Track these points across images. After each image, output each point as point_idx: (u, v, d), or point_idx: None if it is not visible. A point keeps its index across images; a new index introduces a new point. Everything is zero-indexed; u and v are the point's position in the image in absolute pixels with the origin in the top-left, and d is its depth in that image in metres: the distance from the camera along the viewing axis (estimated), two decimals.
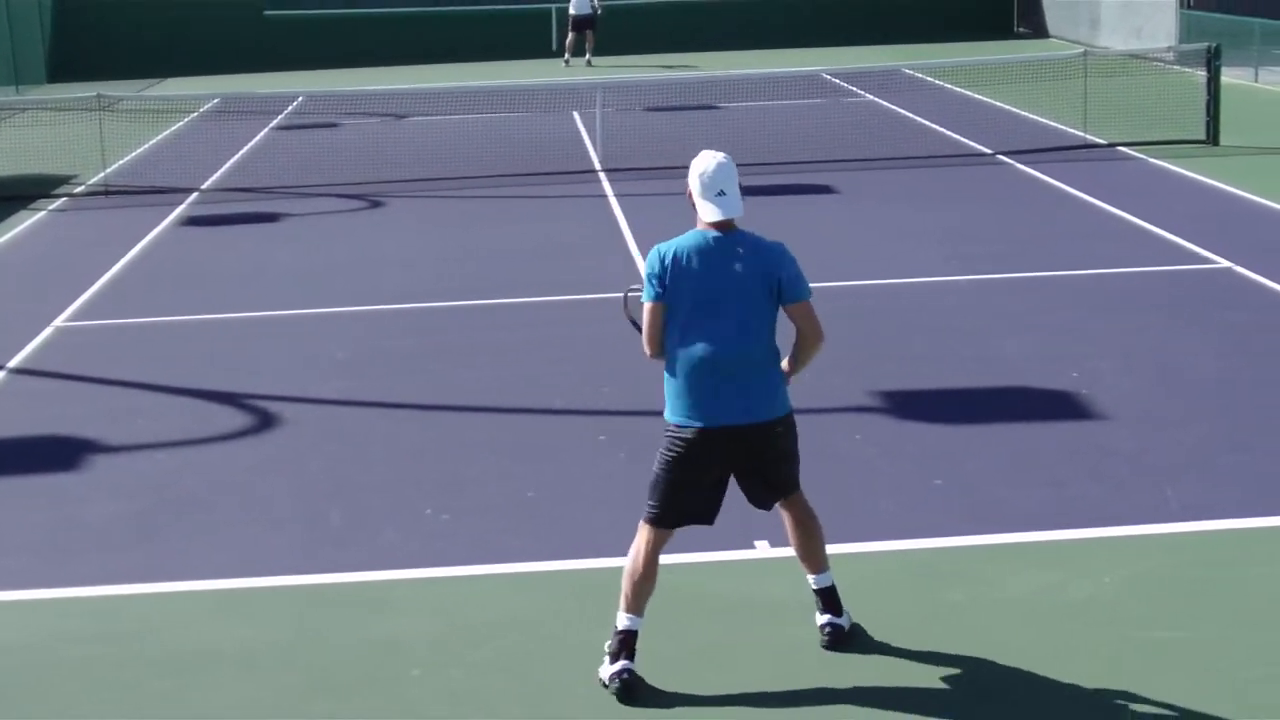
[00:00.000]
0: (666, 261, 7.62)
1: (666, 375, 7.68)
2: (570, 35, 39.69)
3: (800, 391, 12.19)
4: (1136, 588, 8.62)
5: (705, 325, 7.54)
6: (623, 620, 7.71)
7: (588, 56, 39.05)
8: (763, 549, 9.28)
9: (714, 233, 7.69)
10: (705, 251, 7.65)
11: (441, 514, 10.09)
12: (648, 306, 7.63)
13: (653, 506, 7.77)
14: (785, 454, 7.94)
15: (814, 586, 8.09)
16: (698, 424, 7.56)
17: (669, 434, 7.65)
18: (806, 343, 7.74)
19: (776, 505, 8.04)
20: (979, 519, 9.68)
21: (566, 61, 39.44)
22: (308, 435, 11.87)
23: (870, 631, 8.13)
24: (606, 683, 7.61)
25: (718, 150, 7.94)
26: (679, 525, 7.85)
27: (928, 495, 10.12)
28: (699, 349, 7.54)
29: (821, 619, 8.06)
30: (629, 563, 7.79)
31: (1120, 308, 14.61)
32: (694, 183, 7.77)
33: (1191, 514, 9.65)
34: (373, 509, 10.24)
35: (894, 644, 8.00)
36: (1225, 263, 16.07)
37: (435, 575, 9.16)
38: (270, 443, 11.77)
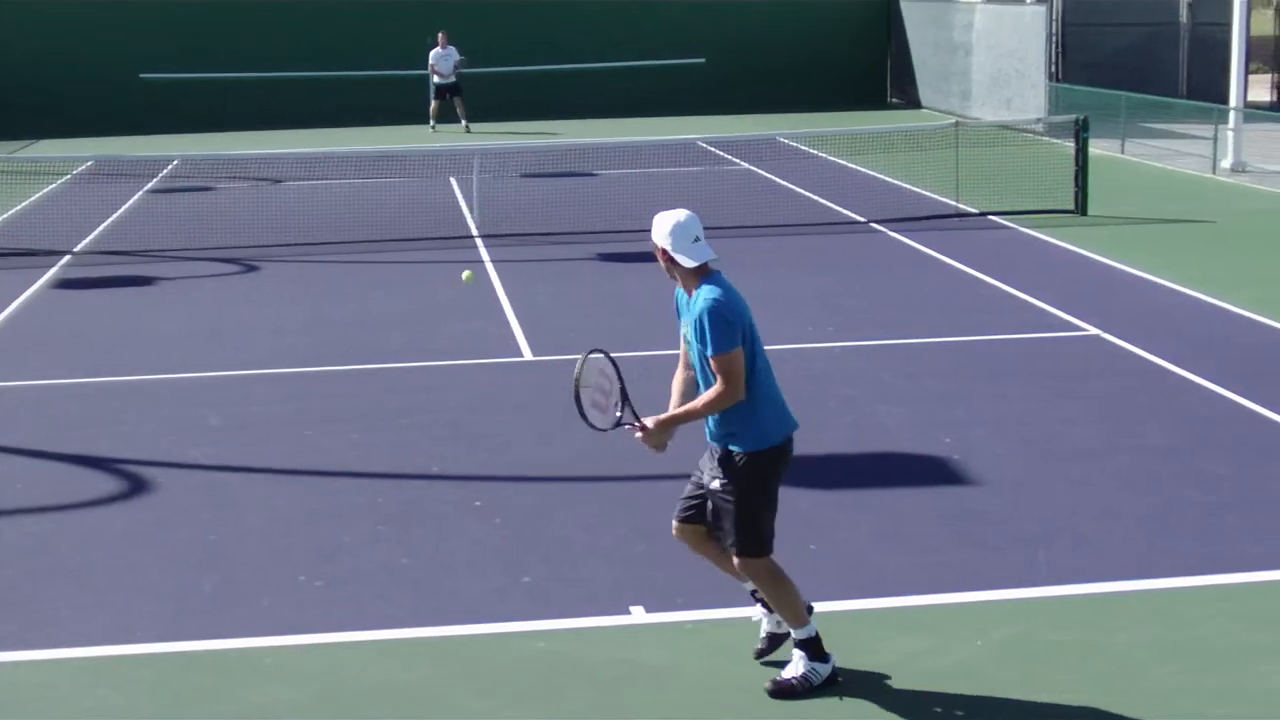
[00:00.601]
0: (740, 310, 8.14)
1: (749, 409, 8.15)
2: (435, 102, 39.69)
3: (675, 459, 12.26)
4: (1009, 651, 8.70)
5: (762, 354, 8.28)
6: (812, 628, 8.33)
7: (464, 123, 39.05)
8: (638, 614, 9.28)
9: (717, 277, 8.25)
10: (735, 293, 8.22)
11: (315, 580, 10.02)
12: (738, 353, 8.03)
13: (765, 537, 8.31)
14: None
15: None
16: (789, 430, 8.33)
17: (762, 462, 8.19)
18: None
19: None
20: (852, 584, 9.74)
21: (433, 127, 39.41)
22: (180, 501, 11.76)
23: (744, 697, 8.15)
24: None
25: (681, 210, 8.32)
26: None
27: (802, 560, 10.14)
28: (770, 373, 8.30)
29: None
30: (784, 583, 8.31)
31: (992, 374, 14.78)
32: (666, 239, 8.17)
33: (1062, 578, 9.76)
34: (246, 576, 10.15)
35: (767, 707, 8.02)
36: (1094, 330, 16.31)
37: (309, 642, 9.09)
38: (142, 509, 11.64)
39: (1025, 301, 17.84)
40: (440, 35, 39.46)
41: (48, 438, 13.46)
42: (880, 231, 22.95)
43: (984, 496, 11.37)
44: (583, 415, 8.41)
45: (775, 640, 8.64)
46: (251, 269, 21.38)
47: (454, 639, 9.09)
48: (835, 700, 8.13)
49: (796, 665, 8.29)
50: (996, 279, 19.08)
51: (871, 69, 46.14)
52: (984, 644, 8.78)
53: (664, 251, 8.21)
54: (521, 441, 13.04)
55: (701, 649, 8.84)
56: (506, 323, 17.33)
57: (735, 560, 8.34)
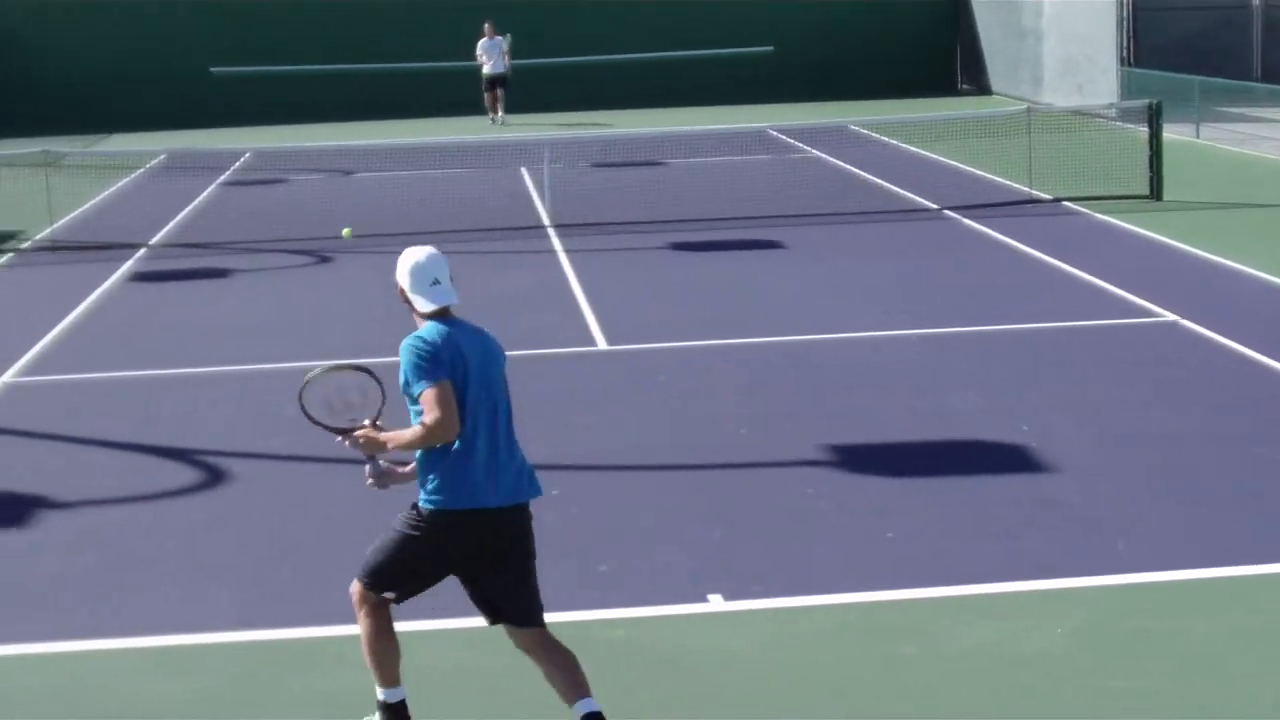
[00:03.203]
0: (445, 350, 7.41)
1: (441, 459, 7.47)
2: (487, 94, 39.71)
3: (751, 447, 12.28)
4: (1087, 638, 8.66)
5: (480, 414, 7.52)
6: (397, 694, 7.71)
7: (499, 115, 39.05)
8: (716, 602, 9.30)
9: (445, 322, 7.56)
10: (461, 339, 7.53)
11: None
12: (444, 385, 7.32)
13: (385, 575, 7.70)
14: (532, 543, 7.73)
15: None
16: (478, 504, 7.47)
17: (432, 522, 7.52)
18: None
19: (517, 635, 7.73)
20: (930, 572, 9.71)
21: (493, 119, 39.43)
22: (257, 491, 11.83)
23: (822, 683, 8.15)
24: None
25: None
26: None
27: (879, 549, 10.15)
28: (485, 439, 7.54)
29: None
30: (381, 639, 7.70)
31: (1067, 362, 14.70)
32: (405, 278, 7.59)
33: (1140, 565, 9.70)
34: (322, 565, 10.21)
35: (845, 698, 8.01)
36: (1170, 316, 16.19)
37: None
38: (219, 499, 11.72)
39: (1100, 288, 17.73)
40: (486, 25, 39.51)
41: (125, 429, 13.57)
42: (952, 218, 22.85)
43: (1060, 483, 11.32)
44: (303, 406, 7.96)
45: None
46: (325, 260, 21.48)
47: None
48: (914, 687, 8.11)
49: None
50: (1070, 265, 18.97)
51: (941, 55, 45.92)
52: (1062, 631, 8.74)
53: (401, 291, 7.61)
54: (597, 430, 13.06)
55: (779, 637, 8.83)
56: (580, 313, 17.35)
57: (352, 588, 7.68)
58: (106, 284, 20.14)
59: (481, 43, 39.38)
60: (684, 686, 8.23)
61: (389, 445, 7.56)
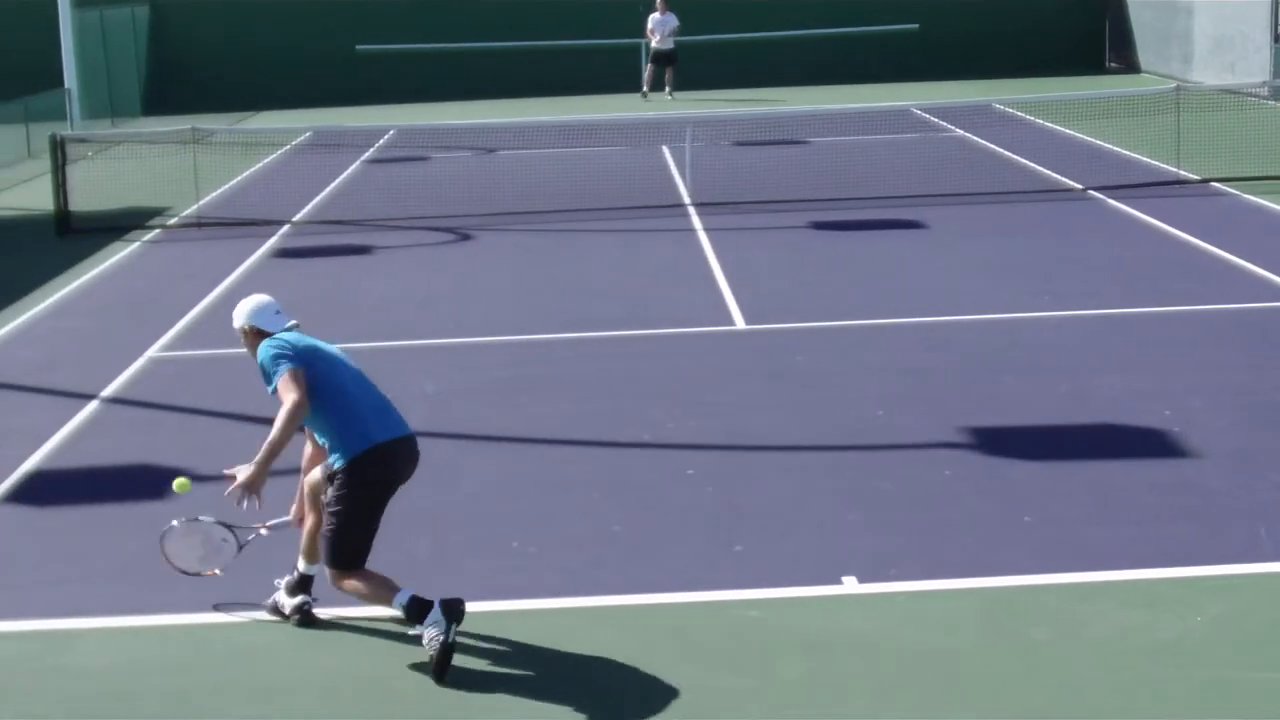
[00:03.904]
0: (291, 341, 8.81)
1: (335, 424, 8.68)
2: (650, 68, 39.86)
3: (888, 428, 12.22)
4: (1228, 628, 8.53)
5: (341, 374, 8.84)
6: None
7: (669, 90, 39.17)
8: (850, 584, 9.26)
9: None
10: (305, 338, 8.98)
11: (528, 546, 10.11)
12: (294, 372, 8.60)
13: (356, 552, 8.68)
14: None
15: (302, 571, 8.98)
16: (385, 436, 8.68)
17: (359, 466, 8.59)
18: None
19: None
20: (1067, 557, 9.61)
21: (645, 95, 39.54)
22: None
23: (956, 668, 8.10)
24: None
25: None
26: None
27: (1016, 532, 10.06)
28: (357, 387, 8.84)
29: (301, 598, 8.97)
30: (381, 589, 8.57)
31: (1212, 345, 14.49)
32: (250, 320, 9.06)
33: None
34: (458, 540, 10.29)
35: (979, 681, 7.95)
36: None
37: (521, 607, 9.17)
38: None
39: (1248, 270, 17.45)
40: (659, 1, 39.60)
41: (269, 403, 13.63)
42: (1098, 199, 22.58)
43: (1203, 469, 11.16)
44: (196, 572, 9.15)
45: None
46: (466, 238, 21.60)
47: (665, 606, 9.12)
48: (1047, 673, 8.03)
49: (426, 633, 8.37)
50: (1218, 247, 18.67)
51: (1089, 33, 45.34)
52: (1202, 620, 8.62)
53: (253, 330, 8.95)
54: (733, 410, 13.04)
55: (913, 620, 8.78)
56: (719, 291, 17.33)
57: (329, 576, 8.59)
58: (250, 260, 20.38)
59: (654, 17, 39.51)
60: (817, 668, 8.20)
61: (264, 458, 8.60)
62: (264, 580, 9.54)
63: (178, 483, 9.21)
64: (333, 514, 8.54)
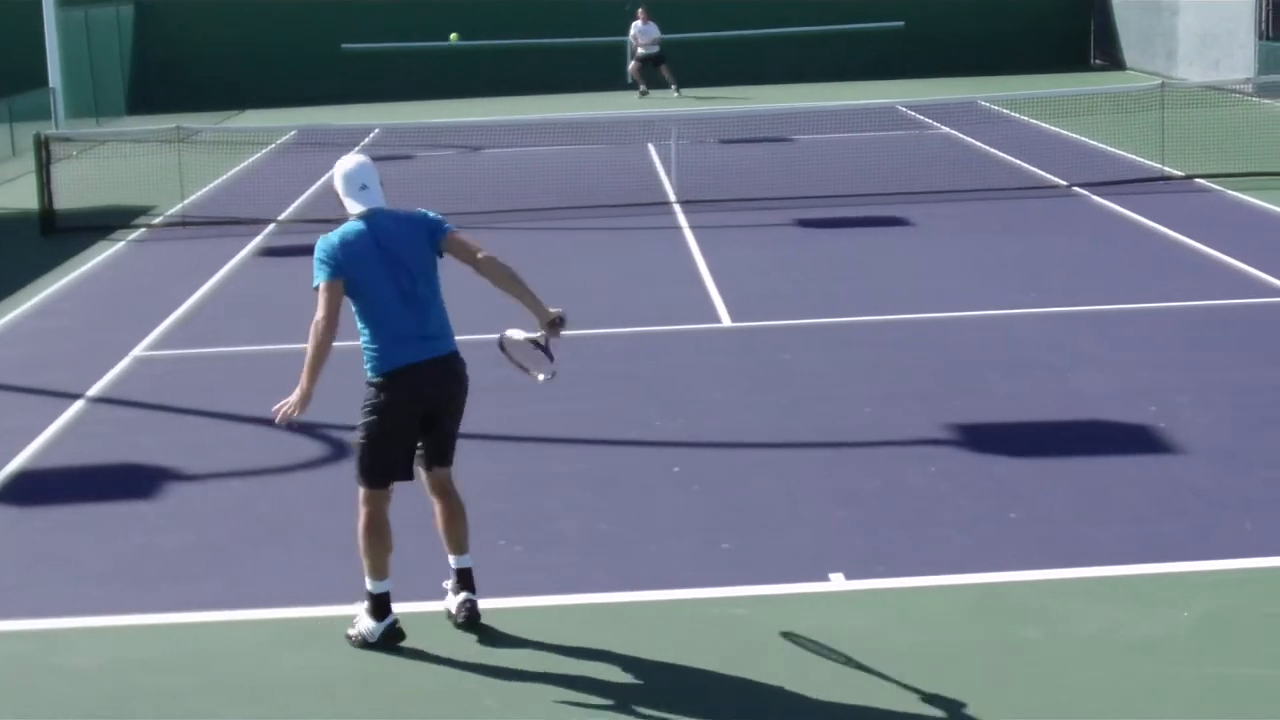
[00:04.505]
0: (338, 247, 8.56)
1: (366, 339, 8.67)
2: (635, 65, 40.16)
3: (875, 425, 12.23)
4: (1214, 624, 8.54)
5: (381, 288, 8.57)
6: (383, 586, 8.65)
7: (675, 89, 39.48)
8: (838, 582, 9.26)
9: (362, 222, 8.68)
10: (369, 229, 8.64)
11: (515, 545, 10.11)
12: (326, 285, 8.50)
13: (372, 469, 8.73)
14: (465, 389, 8.88)
15: (454, 566, 8.86)
16: (404, 361, 8.55)
17: (380, 387, 8.59)
18: (488, 263, 9.01)
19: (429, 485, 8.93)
20: (1054, 554, 9.62)
21: (643, 92, 39.72)
22: None
23: (943, 665, 8.10)
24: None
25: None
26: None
27: (1003, 529, 10.07)
28: (395, 306, 8.59)
29: (460, 596, 8.80)
30: (374, 530, 8.72)
31: (1198, 341, 14.51)
32: (339, 184, 8.74)
33: (1271, 549, 9.56)
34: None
35: (968, 679, 7.96)
36: None
37: (508, 606, 9.17)
38: (346, 473, 11.78)
39: (1233, 266, 17.47)
40: (640, 10, 39.88)
41: (253, 403, 13.69)
42: (1083, 196, 22.60)
43: (1189, 465, 11.17)
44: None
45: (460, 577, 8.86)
46: None
47: (653, 604, 9.12)
48: (1036, 670, 8.04)
49: (359, 619, 8.64)
50: (1203, 243, 18.70)
51: (1074, 30, 45.42)
52: (1189, 616, 8.63)
53: (338, 197, 8.75)
54: (720, 408, 13.04)
55: (901, 617, 8.79)
56: (704, 289, 17.33)
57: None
58: (235, 259, 20.37)
59: (636, 25, 39.99)
60: (804, 666, 8.20)
61: (305, 377, 8.66)
62: (257, 580, 9.54)
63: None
64: (358, 428, 8.63)
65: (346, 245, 8.53)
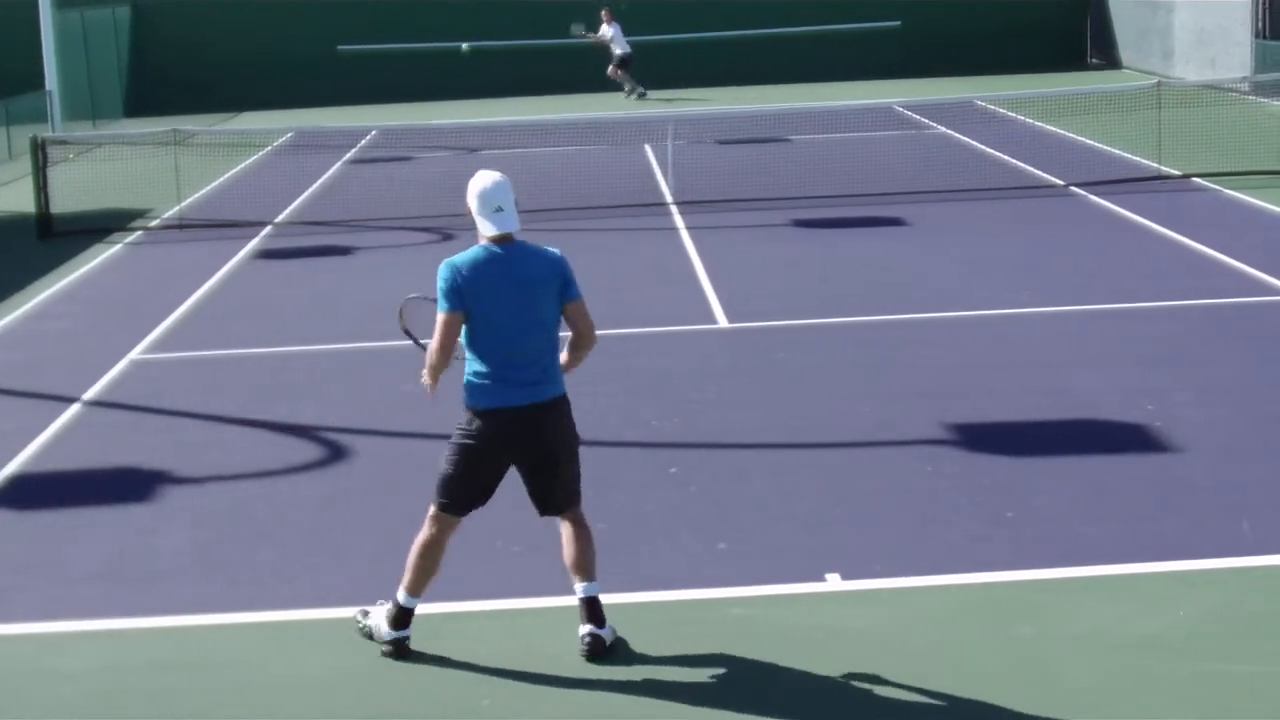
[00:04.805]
0: (457, 275, 8.30)
1: (468, 370, 8.36)
2: (618, 71, 40.08)
3: (871, 425, 12.22)
4: (1211, 621, 8.54)
5: (489, 324, 8.30)
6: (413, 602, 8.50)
7: (635, 90, 39.47)
8: (834, 581, 9.26)
9: (495, 247, 8.41)
10: (496, 262, 8.36)
11: (513, 546, 10.10)
12: (444, 318, 8.28)
13: (441, 489, 8.50)
14: (573, 435, 8.57)
15: (580, 595, 8.44)
16: (492, 404, 8.28)
17: (468, 418, 8.35)
18: (581, 341, 8.70)
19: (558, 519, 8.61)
20: (1050, 552, 9.61)
21: (643, 94, 39.74)
22: (377, 467, 11.91)
23: (940, 665, 8.09)
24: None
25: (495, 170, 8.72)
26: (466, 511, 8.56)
27: (999, 528, 10.06)
28: (498, 344, 8.30)
29: (584, 629, 8.36)
30: (426, 548, 8.54)
31: (1195, 340, 14.51)
32: (472, 202, 8.50)
33: (1268, 547, 9.55)
34: None
35: (964, 677, 7.95)
36: None
37: (507, 606, 9.17)
38: (340, 474, 11.82)
39: (1229, 265, 17.47)
40: (604, 12, 39.84)
41: (250, 404, 13.71)
42: (1079, 195, 22.60)
43: (1187, 463, 11.17)
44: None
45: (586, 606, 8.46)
46: (448, 237, 21.57)
47: (649, 604, 9.11)
48: (1032, 668, 8.03)
49: (376, 613, 8.59)
50: (1199, 242, 18.70)
51: (1071, 30, 45.45)
52: (1186, 614, 8.62)
53: (469, 211, 8.54)
54: (716, 408, 13.03)
55: (897, 617, 8.78)
56: (701, 290, 17.32)
57: None
58: (232, 262, 20.35)
59: (610, 27, 39.82)
60: (801, 665, 8.19)
61: (429, 377, 8.55)
62: (252, 582, 9.53)
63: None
64: (447, 447, 8.46)
65: (472, 274, 8.28)
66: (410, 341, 9.01)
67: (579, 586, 8.43)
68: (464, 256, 8.36)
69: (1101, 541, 9.76)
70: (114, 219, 23.84)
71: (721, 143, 29.88)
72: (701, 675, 8.12)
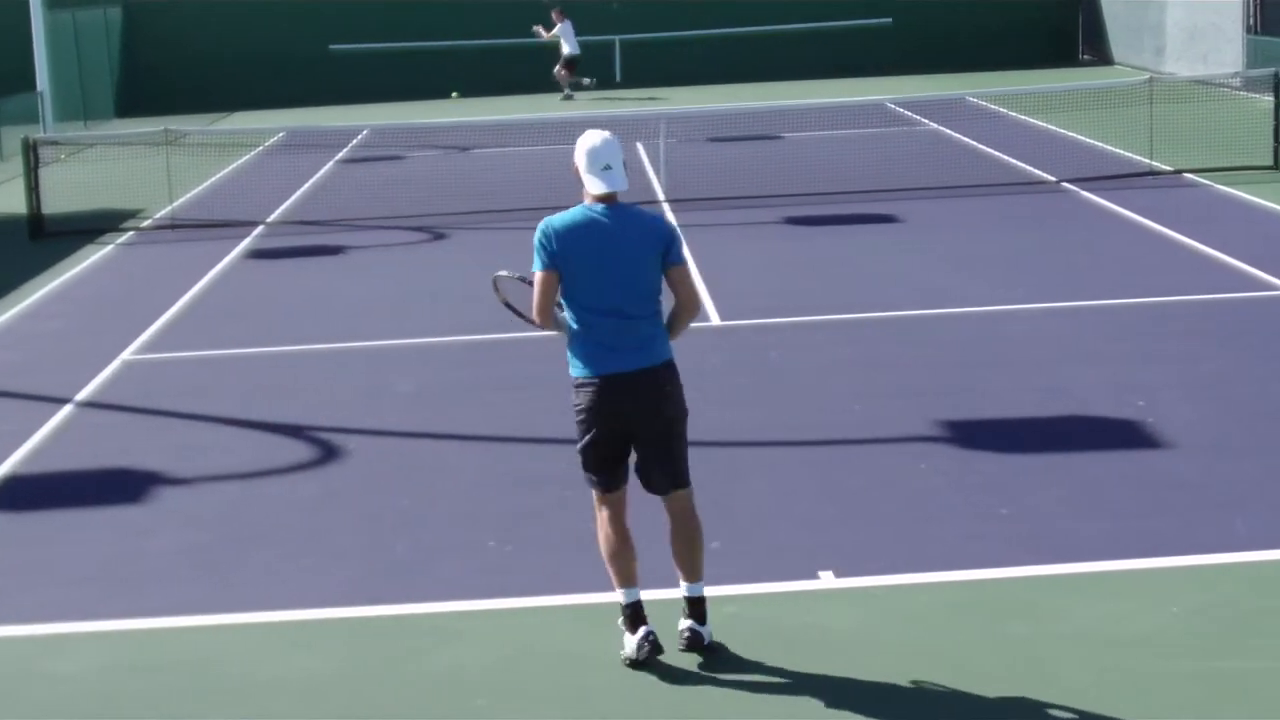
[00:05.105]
0: (554, 236, 8.15)
1: (570, 337, 8.21)
2: (565, 72, 39.95)
3: (864, 422, 12.22)
4: (1204, 618, 8.54)
5: (589, 291, 8.10)
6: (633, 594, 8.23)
7: (568, 94, 39.45)
8: (827, 579, 9.26)
9: (597, 207, 8.21)
10: (595, 224, 8.16)
11: (505, 545, 10.10)
12: (539, 276, 8.11)
13: (585, 459, 8.33)
14: (675, 406, 8.34)
15: (685, 594, 8.31)
16: (595, 371, 8.10)
17: (576, 388, 8.19)
18: (683, 307, 8.41)
19: (662, 502, 8.43)
20: (1043, 550, 9.62)
21: (588, 86, 39.71)
22: (370, 467, 11.91)
23: (932, 661, 8.09)
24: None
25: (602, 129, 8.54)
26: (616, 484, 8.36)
27: (992, 525, 10.07)
28: (596, 313, 8.09)
29: (684, 623, 8.25)
30: (605, 531, 8.36)
31: (1186, 336, 14.51)
32: (580, 159, 8.32)
33: (1260, 543, 9.56)
34: (435, 541, 10.26)
35: (957, 675, 7.95)
36: None
37: (499, 606, 9.16)
38: (333, 474, 11.81)
39: (1221, 261, 17.48)
40: (555, 11, 39.78)
41: (242, 405, 13.70)
42: (1071, 191, 22.61)
43: (1178, 460, 11.17)
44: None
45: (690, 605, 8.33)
46: (440, 236, 21.58)
47: (644, 604, 9.09)
48: (1025, 665, 8.03)
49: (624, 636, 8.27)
50: (1190, 238, 18.71)
51: (1062, 25, 45.48)
52: (1178, 611, 8.63)
53: (575, 169, 8.39)
54: (709, 407, 13.00)
55: (890, 614, 8.78)
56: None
57: None
58: (224, 261, 20.34)
59: (565, 24, 39.71)
60: (794, 663, 8.19)
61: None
62: (246, 583, 9.52)
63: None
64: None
65: (569, 233, 8.14)
66: (515, 315, 8.81)
67: (683, 585, 8.33)
68: (561, 216, 8.21)
69: (1094, 538, 9.77)
70: (106, 219, 23.82)
71: (712, 140, 29.88)
72: (693, 673, 8.12)
